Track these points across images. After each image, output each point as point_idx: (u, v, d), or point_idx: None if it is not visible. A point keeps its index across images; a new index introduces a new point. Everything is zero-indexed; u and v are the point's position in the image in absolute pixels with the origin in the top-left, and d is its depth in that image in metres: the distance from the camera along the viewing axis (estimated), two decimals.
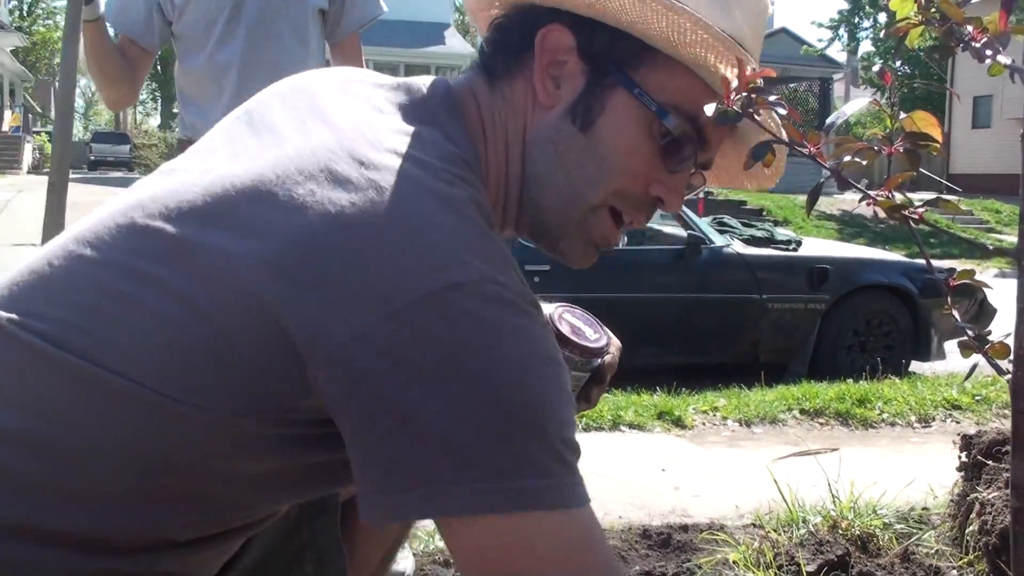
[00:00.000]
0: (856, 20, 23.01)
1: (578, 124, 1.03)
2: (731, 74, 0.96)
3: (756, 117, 0.86)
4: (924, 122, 0.94)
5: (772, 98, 0.83)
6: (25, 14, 48.68)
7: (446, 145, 0.97)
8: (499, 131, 1.07)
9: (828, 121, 0.90)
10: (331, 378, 0.84)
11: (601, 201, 1.06)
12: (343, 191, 0.87)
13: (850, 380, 5.40)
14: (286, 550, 1.37)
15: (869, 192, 0.94)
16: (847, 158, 0.89)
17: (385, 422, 0.83)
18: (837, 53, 27.78)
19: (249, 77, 2.53)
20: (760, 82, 0.85)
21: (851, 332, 6.48)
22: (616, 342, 1.39)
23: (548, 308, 1.30)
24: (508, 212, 1.10)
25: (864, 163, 0.88)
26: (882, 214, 0.89)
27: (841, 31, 24.22)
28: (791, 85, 31.89)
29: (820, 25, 24.12)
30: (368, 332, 0.82)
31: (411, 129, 0.97)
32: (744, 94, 0.84)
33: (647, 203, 1.08)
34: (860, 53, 26.02)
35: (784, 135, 0.97)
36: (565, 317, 1.33)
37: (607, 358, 1.35)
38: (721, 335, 6.42)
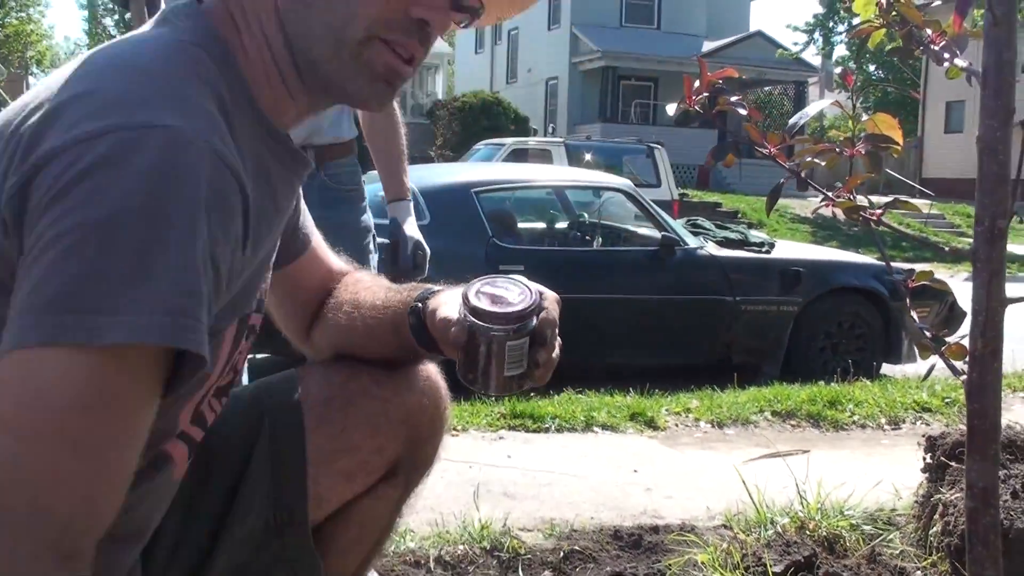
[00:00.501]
0: (831, 24, 23.14)
1: None
2: None
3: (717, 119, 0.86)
4: (885, 124, 0.94)
5: (733, 98, 0.83)
6: None
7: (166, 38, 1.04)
8: (250, 15, 1.09)
9: (791, 122, 0.91)
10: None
11: (364, 34, 1.06)
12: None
13: (822, 382, 5.42)
14: (257, 564, 1.36)
15: (828, 193, 0.95)
16: (808, 159, 0.90)
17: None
18: (812, 57, 27.98)
19: None
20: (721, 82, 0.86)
21: (823, 334, 6.52)
22: (551, 295, 1.32)
23: (465, 287, 1.29)
24: (289, 82, 1.12)
25: (822, 164, 0.89)
26: (841, 216, 0.90)
27: (816, 35, 24.39)
28: (765, 88, 32.08)
29: (795, 29, 24.30)
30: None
31: (140, 36, 1.05)
32: (705, 94, 0.85)
33: (414, 27, 1.09)
34: (835, 57, 26.21)
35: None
36: (483, 291, 1.27)
37: (542, 315, 1.27)
38: (694, 336, 6.43)
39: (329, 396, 1.43)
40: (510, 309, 1.23)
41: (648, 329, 6.29)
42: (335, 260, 1.56)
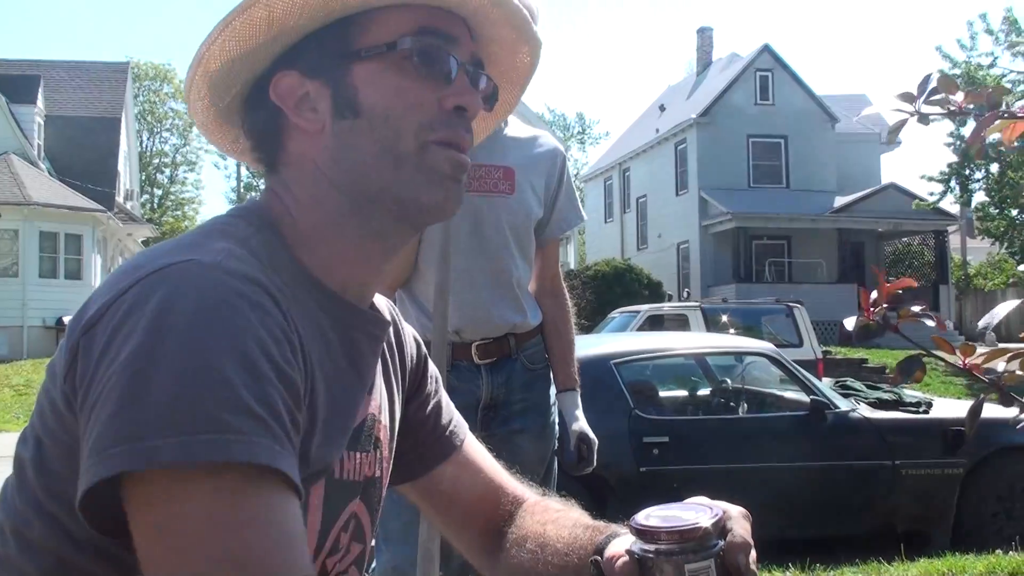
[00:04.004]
0: (967, 172, 22.73)
1: (350, 116, 1.11)
2: None
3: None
4: None
5: (917, 308, 0.77)
6: (156, 206, 51.74)
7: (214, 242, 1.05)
8: (293, 186, 1.14)
9: (980, 326, 0.84)
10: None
11: (416, 143, 1.10)
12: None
13: (999, 551, 5.04)
14: None
15: None
16: (1002, 367, 0.82)
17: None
18: (950, 205, 27.34)
19: (470, 283, 2.73)
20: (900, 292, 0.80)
21: (995, 498, 6.09)
22: (738, 510, 1.12)
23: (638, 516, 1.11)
24: (353, 241, 1.14)
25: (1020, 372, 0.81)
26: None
27: (952, 183, 23.88)
28: (903, 239, 31.44)
29: (930, 179, 23.87)
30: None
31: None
32: (884, 306, 0.79)
33: (452, 118, 1.13)
34: (974, 204, 25.56)
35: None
36: (654, 513, 1.10)
37: (730, 536, 1.07)
38: (853, 505, 6.09)
39: None
40: (682, 524, 1.06)
41: (802, 499, 5.99)
42: (508, 479, 1.44)
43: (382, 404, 1.25)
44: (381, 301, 1.29)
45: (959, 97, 1.16)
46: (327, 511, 1.12)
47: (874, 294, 0.83)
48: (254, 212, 1.14)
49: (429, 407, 1.40)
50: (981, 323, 0.89)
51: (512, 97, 1.36)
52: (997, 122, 0.99)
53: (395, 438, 1.30)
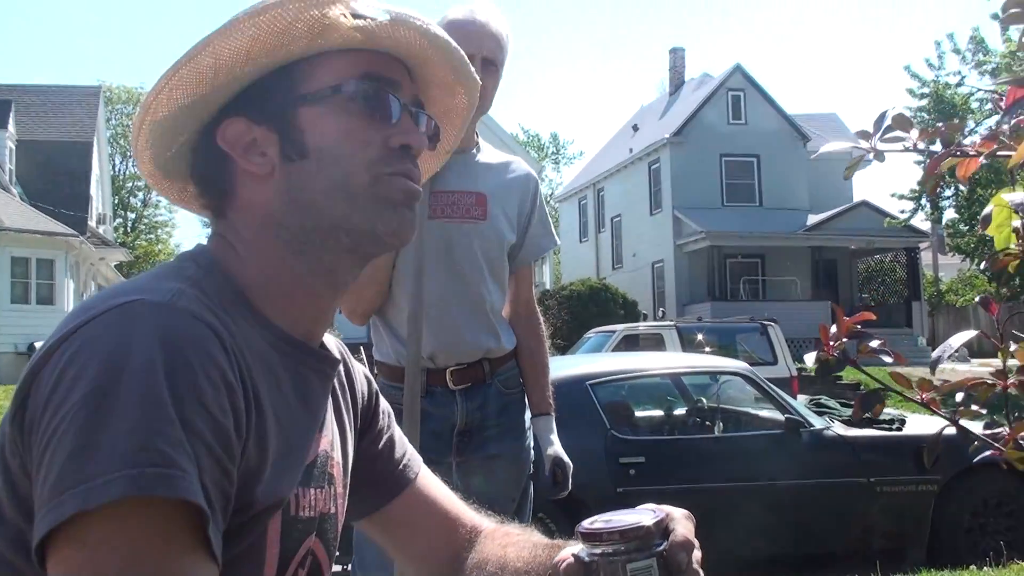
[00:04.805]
0: (938, 190, 23.02)
1: (298, 158, 1.13)
2: (342, 9, 1.10)
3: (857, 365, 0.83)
4: None
5: (875, 344, 0.80)
6: (129, 229, 51.40)
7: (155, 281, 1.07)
8: (240, 228, 1.17)
9: (934, 356, 0.86)
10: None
11: (367, 181, 1.14)
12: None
13: (974, 567, 5.08)
14: None
15: (995, 444, 0.89)
16: (960, 397, 0.85)
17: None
18: (920, 222, 27.63)
19: (444, 309, 2.72)
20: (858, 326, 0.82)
21: (969, 513, 6.14)
22: (680, 511, 1.14)
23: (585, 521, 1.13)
24: (304, 279, 1.17)
25: (981, 410, 0.83)
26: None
27: (923, 200, 24.14)
28: (875, 256, 31.69)
29: (900, 197, 24.14)
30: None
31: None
32: (844, 339, 0.81)
33: (401, 156, 1.16)
34: (944, 221, 25.85)
35: None
36: (600, 518, 1.12)
37: (672, 537, 1.09)
38: (828, 523, 6.12)
39: None
40: (623, 525, 1.08)
41: (778, 517, 6.01)
42: (465, 509, 1.46)
43: (334, 441, 1.26)
44: (330, 340, 1.30)
45: (914, 135, 1.19)
46: (284, 547, 1.12)
47: (833, 328, 0.85)
48: (203, 254, 1.16)
49: (382, 442, 1.41)
50: (935, 354, 0.92)
51: (452, 137, 1.40)
52: (948, 160, 1.02)
53: (349, 474, 1.31)
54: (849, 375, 20.64)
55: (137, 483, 0.87)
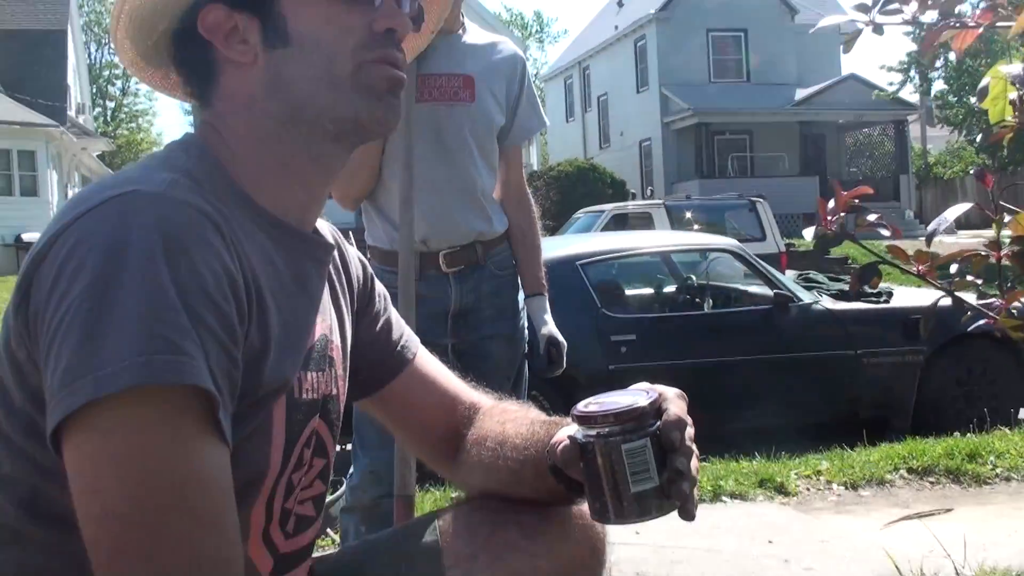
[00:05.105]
0: (926, 61, 22.68)
1: (281, 45, 1.13)
2: None
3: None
4: None
5: (872, 217, 0.80)
6: (109, 119, 50.69)
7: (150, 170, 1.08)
8: (228, 118, 1.16)
9: (930, 229, 0.87)
10: None
11: (351, 67, 1.14)
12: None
13: (957, 434, 5.20)
14: None
15: (990, 313, 0.90)
16: (954, 269, 0.86)
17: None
18: (910, 95, 27.41)
19: (435, 193, 2.72)
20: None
21: (954, 383, 6.26)
22: (673, 391, 1.17)
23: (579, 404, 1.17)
24: (293, 164, 1.17)
25: (978, 281, 0.84)
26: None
27: (912, 72, 23.88)
28: (864, 130, 31.52)
29: (890, 69, 23.85)
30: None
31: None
32: (842, 214, 0.82)
33: (383, 40, 1.16)
34: (933, 92, 25.63)
35: None
36: (594, 400, 1.15)
37: (665, 416, 1.12)
38: (816, 394, 6.24)
39: (473, 552, 1.29)
40: (617, 407, 1.11)
41: (768, 390, 6.12)
42: (463, 387, 1.48)
43: (332, 324, 1.28)
44: (324, 225, 1.31)
45: (912, 7, 1.18)
46: (290, 429, 1.15)
47: (831, 203, 0.86)
48: (193, 144, 1.16)
49: (379, 324, 1.43)
50: (931, 226, 0.93)
51: (436, 16, 1.39)
52: (947, 32, 1.01)
53: (348, 356, 1.33)
54: (837, 250, 20.74)
55: (146, 371, 0.89)
